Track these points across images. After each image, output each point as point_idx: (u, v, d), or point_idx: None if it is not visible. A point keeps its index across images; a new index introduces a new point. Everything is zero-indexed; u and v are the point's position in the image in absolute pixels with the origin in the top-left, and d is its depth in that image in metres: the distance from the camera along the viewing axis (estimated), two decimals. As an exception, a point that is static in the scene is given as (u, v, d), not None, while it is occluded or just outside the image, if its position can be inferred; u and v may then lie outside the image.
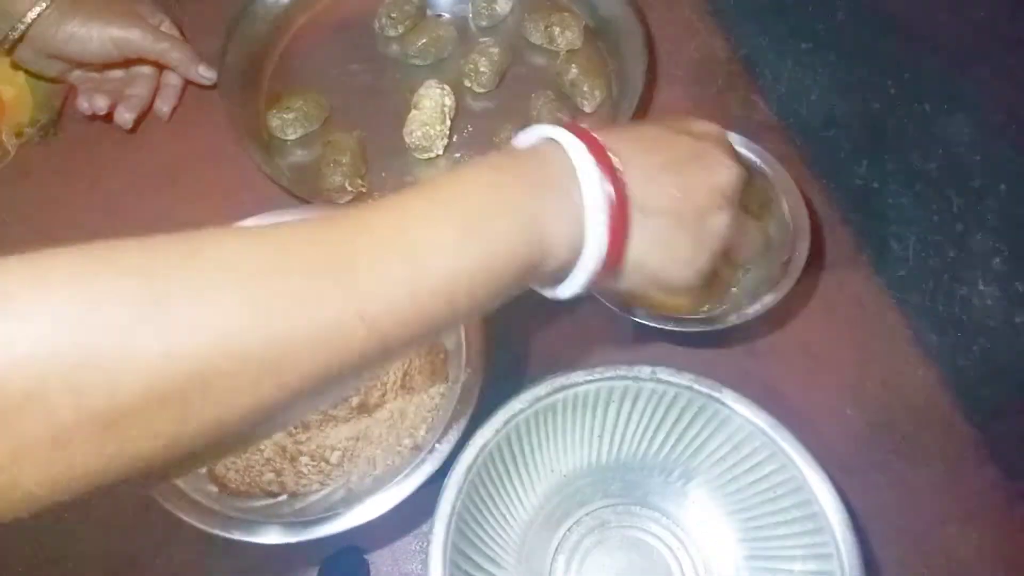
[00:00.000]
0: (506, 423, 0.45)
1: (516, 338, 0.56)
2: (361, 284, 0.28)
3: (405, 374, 0.51)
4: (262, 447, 0.49)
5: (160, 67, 0.68)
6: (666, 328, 0.50)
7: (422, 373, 0.51)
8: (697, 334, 0.52)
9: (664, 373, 0.46)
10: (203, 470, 0.47)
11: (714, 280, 0.43)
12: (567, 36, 0.68)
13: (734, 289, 0.55)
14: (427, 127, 0.62)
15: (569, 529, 0.49)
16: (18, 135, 0.66)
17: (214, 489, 0.46)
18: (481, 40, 0.69)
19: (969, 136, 0.64)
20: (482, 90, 0.67)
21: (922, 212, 0.61)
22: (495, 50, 0.67)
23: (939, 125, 0.64)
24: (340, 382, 0.29)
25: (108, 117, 0.66)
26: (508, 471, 0.46)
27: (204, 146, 0.66)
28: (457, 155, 0.65)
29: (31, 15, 0.60)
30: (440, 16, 0.71)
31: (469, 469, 0.43)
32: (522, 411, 0.45)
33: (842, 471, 0.45)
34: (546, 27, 0.68)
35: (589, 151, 0.34)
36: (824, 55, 0.69)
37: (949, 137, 0.64)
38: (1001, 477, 0.51)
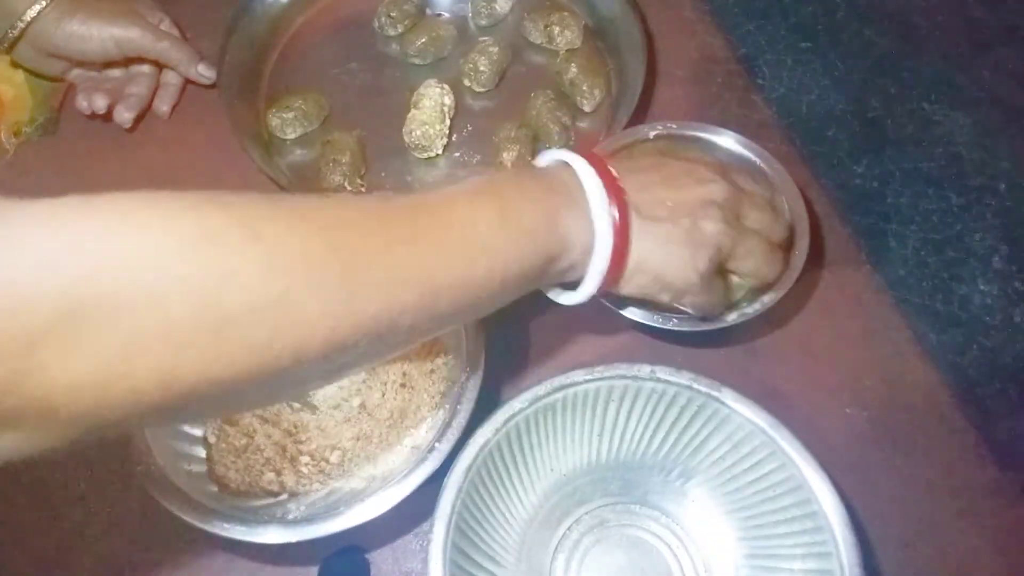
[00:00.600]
0: (506, 422, 0.45)
1: (515, 338, 0.56)
2: (421, 246, 0.33)
3: (405, 374, 0.51)
4: (262, 447, 0.49)
5: (160, 66, 0.68)
6: (666, 327, 0.50)
7: (422, 372, 0.51)
8: (696, 333, 0.52)
9: (663, 372, 0.46)
10: (204, 469, 0.47)
11: (720, 291, 0.46)
12: (566, 35, 0.68)
13: (748, 283, 0.55)
14: (427, 126, 0.62)
15: (569, 528, 0.49)
16: (17, 134, 0.66)
17: (214, 489, 0.46)
18: (481, 39, 0.69)
19: (968, 135, 0.64)
20: (481, 89, 0.67)
21: (921, 211, 0.61)
22: (494, 49, 0.67)
23: (939, 124, 0.65)
24: (393, 339, 0.33)
25: (107, 116, 0.66)
26: (508, 470, 0.46)
27: (204, 145, 0.66)
28: (456, 154, 0.65)
29: (30, 13, 0.60)
30: (440, 15, 0.71)
31: (469, 468, 0.44)
32: (522, 410, 0.45)
33: (841, 470, 0.45)
34: (546, 26, 0.68)
35: (591, 166, 0.40)
36: (824, 54, 0.69)
37: (949, 136, 0.64)
38: (1001, 476, 0.51)
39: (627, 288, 0.42)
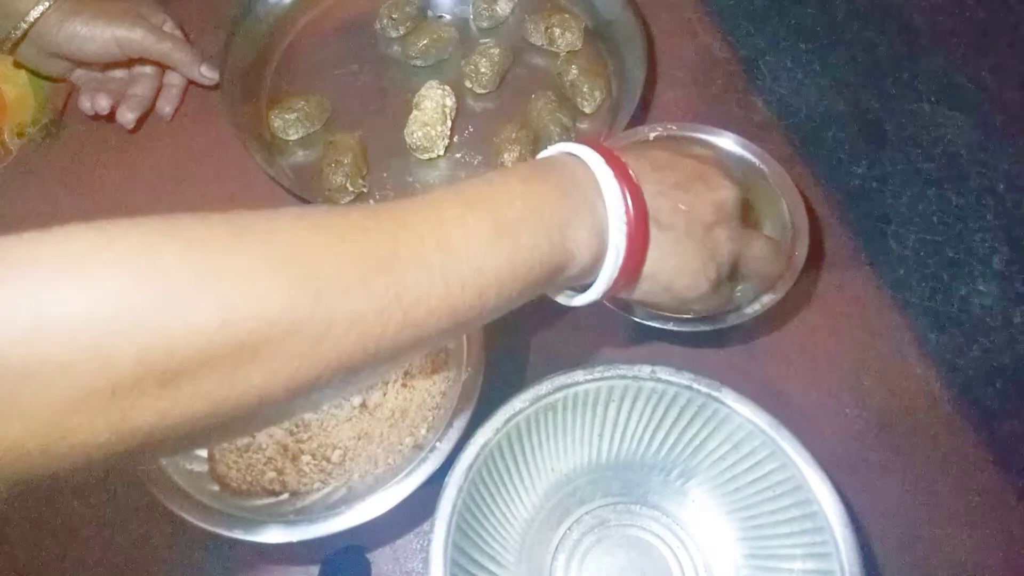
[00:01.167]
0: (507, 422, 0.45)
1: (517, 337, 0.57)
2: (401, 274, 0.30)
3: (406, 373, 0.51)
4: (264, 446, 0.49)
5: (162, 67, 0.68)
6: (666, 328, 0.51)
7: (423, 372, 0.51)
8: (697, 334, 0.52)
9: (664, 372, 0.46)
10: (205, 468, 0.48)
11: (725, 294, 0.45)
12: (567, 37, 0.68)
13: (738, 292, 0.55)
14: (428, 128, 0.62)
15: (569, 528, 0.49)
16: (20, 135, 0.67)
17: (215, 488, 0.46)
18: (482, 41, 0.69)
19: (968, 136, 0.64)
20: (483, 91, 0.67)
21: (921, 212, 0.61)
22: (496, 51, 0.67)
23: (939, 125, 0.65)
24: (373, 365, 0.31)
25: (110, 117, 0.66)
26: (508, 470, 0.47)
27: (206, 146, 0.66)
28: (458, 155, 0.65)
29: (33, 14, 0.61)
30: (441, 17, 0.72)
31: (470, 468, 0.44)
32: (522, 410, 0.45)
33: (841, 470, 0.45)
34: (546, 28, 0.68)
35: (609, 165, 0.37)
36: (823, 55, 0.69)
37: (949, 137, 0.64)
38: (1000, 476, 0.51)
39: (634, 294, 0.41)
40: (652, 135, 0.57)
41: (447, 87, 0.65)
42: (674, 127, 0.57)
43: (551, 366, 0.55)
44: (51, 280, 0.24)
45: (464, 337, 0.49)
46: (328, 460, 0.49)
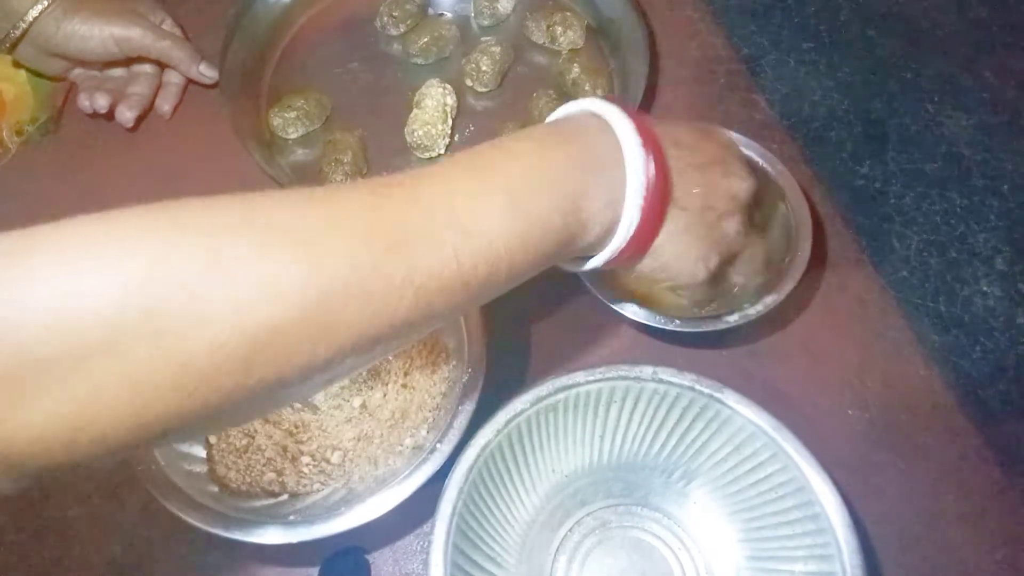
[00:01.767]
0: (507, 423, 0.45)
1: (518, 338, 0.56)
2: (411, 252, 0.30)
3: (406, 374, 0.51)
4: (263, 447, 0.49)
5: (161, 66, 0.68)
6: (667, 328, 0.50)
7: (423, 373, 0.51)
8: (698, 334, 0.52)
9: (666, 373, 0.45)
10: (204, 469, 0.47)
11: (716, 285, 0.44)
12: (569, 35, 0.68)
13: (736, 289, 0.54)
14: (429, 126, 0.62)
15: (570, 529, 0.49)
16: (19, 133, 0.66)
17: (215, 489, 0.46)
18: (483, 39, 0.69)
19: (972, 136, 0.64)
20: (484, 89, 0.67)
21: (924, 212, 0.61)
22: (497, 49, 0.67)
23: (941, 125, 0.64)
24: (385, 344, 0.31)
25: (109, 116, 0.66)
26: (509, 471, 0.46)
27: (205, 145, 0.66)
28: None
29: (32, 13, 0.60)
30: (442, 15, 0.71)
31: (470, 469, 0.43)
32: (523, 411, 0.45)
33: (844, 472, 0.45)
34: (548, 26, 0.68)
35: (638, 134, 0.35)
36: (826, 54, 0.69)
37: (952, 137, 0.64)
38: (1003, 478, 0.51)
39: (631, 265, 0.40)
40: (654, 134, 0.56)
41: (448, 85, 0.65)
42: (676, 126, 0.57)
43: (552, 367, 0.55)
44: (68, 272, 0.24)
45: (465, 338, 0.49)
46: (328, 461, 0.49)
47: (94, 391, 0.24)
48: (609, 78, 0.67)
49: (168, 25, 0.68)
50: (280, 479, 0.48)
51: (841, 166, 0.63)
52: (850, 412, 0.53)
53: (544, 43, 0.69)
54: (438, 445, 0.45)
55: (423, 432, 0.49)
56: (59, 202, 0.64)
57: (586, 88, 0.64)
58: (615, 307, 0.51)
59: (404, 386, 0.51)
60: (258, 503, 0.46)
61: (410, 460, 0.46)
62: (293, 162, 0.65)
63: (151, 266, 0.25)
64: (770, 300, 0.50)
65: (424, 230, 0.30)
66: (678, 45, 0.69)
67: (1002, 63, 0.67)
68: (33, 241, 0.25)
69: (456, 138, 0.65)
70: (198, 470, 0.47)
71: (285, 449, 0.49)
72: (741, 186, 0.40)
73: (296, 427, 0.50)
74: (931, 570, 0.49)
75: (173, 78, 0.69)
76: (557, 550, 0.48)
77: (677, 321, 0.50)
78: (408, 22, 0.70)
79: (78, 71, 0.68)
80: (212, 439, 0.49)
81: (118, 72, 0.68)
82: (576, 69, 0.65)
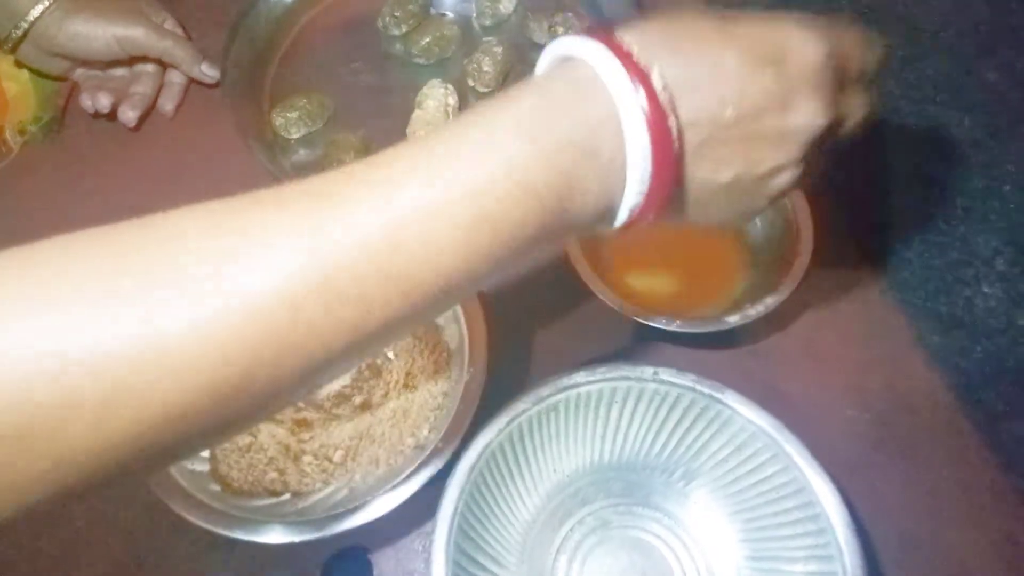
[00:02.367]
0: (509, 423, 0.45)
1: (519, 338, 0.56)
2: (339, 289, 0.25)
3: (408, 373, 0.51)
4: (265, 446, 0.49)
5: (164, 65, 0.68)
6: (669, 329, 0.50)
7: (425, 372, 0.51)
8: (699, 334, 0.52)
9: (666, 374, 0.46)
10: (207, 468, 0.47)
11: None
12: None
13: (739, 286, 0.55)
14: (431, 127, 0.62)
15: (571, 529, 0.49)
16: (22, 132, 0.66)
17: (217, 488, 0.46)
18: (484, 39, 0.69)
19: (973, 137, 0.64)
20: (485, 89, 0.67)
21: (926, 213, 0.61)
22: (498, 49, 0.67)
23: (943, 125, 0.64)
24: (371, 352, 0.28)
25: (111, 115, 0.66)
26: (511, 471, 0.47)
27: (208, 145, 0.66)
28: (460, 154, 0.65)
29: (34, 13, 0.60)
30: (444, 15, 0.71)
31: (472, 469, 0.44)
32: (525, 411, 0.45)
33: (844, 472, 0.45)
34: (549, 27, 0.68)
35: (644, 108, 0.28)
36: (828, 55, 0.68)
37: (953, 138, 0.64)
38: (1003, 478, 0.51)
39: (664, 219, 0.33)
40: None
41: (450, 86, 0.65)
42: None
43: (554, 367, 0.55)
44: (24, 313, 0.22)
45: (466, 337, 0.49)
46: (330, 460, 0.49)
47: (11, 438, 0.21)
48: (611, 78, 0.67)
49: (170, 25, 0.68)
50: (282, 478, 0.48)
51: (843, 166, 0.63)
52: (851, 413, 0.53)
53: (545, 43, 0.68)
54: (439, 444, 0.45)
55: (425, 431, 0.49)
56: (61, 202, 0.64)
57: (588, 88, 0.65)
58: (616, 306, 0.51)
59: (406, 386, 0.51)
60: (260, 502, 0.46)
61: (412, 459, 0.46)
62: (296, 162, 0.65)
63: (68, 303, 0.23)
64: (771, 301, 0.50)
65: (356, 261, 0.25)
66: (680, 45, 0.69)
67: (1005, 63, 0.67)
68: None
69: (458, 138, 0.65)
70: (200, 469, 0.47)
71: (287, 448, 0.49)
72: (808, 127, 0.30)
73: (299, 426, 0.50)
74: (931, 571, 0.49)
75: (175, 77, 0.69)
76: (558, 549, 0.49)
77: (678, 322, 0.51)
78: (410, 22, 0.70)
79: (80, 71, 0.68)
80: (214, 438, 0.49)
81: (120, 72, 0.68)
82: (578, 69, 0.65)
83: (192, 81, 0.69)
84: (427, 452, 0.45)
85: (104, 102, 0.65)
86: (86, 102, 0.66)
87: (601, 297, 0.51)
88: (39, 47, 0.63)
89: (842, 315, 0.56)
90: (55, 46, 0.62)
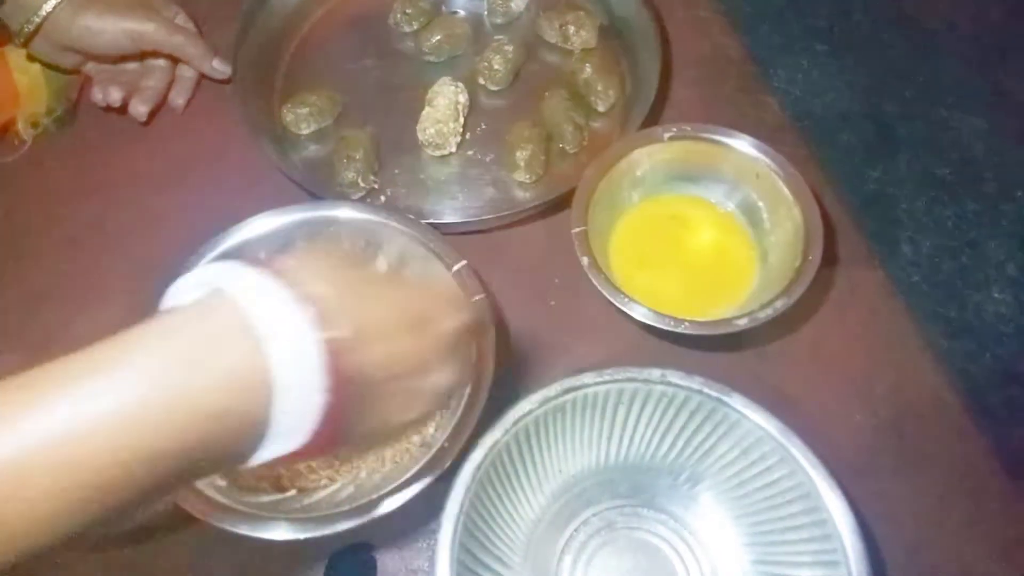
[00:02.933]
0: (515, 423, 0.45)
1: (525, 338, 0.56)
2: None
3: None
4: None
5: (175, 60, 0.68)
6: (677, 331, 0.50)
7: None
8: (707, 336, 0.52)
9: (674, 376, 0.45)
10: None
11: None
12: (582, 35, 0.67)
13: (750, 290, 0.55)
14: (440, 124, 0.62)
15: (576, 529, 0.49)
16: (35, 125, 0.67)
17: (223, 483, 0.46)
18: (496, 38, 0.69)
19: (985, 140, 0.63)
20: (496, 88, 0.67)
21: (936, 217, 0.60)
22: (509, 48, 0.67)
23: (954, 129, 0.64)
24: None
25: (123, 109, 0.66)
26: (516, 471, 0.47)
27: (218, 139, 0.66)
28: (470, 152, 0.65)
29: (46, 8, 0.61)
30: (455, 13, 0.71)
31: (478, 468, 0.44)
32: (531, 411, 0.45)
33: (851, 477, 0.45)
34: (561, 26, 0.68)
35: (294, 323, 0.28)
36: (839, 57, 0.68)
37: (965, 141, 0.64)
38: (1011, 484, 0.51)
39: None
40: (667, 135, 0.57)
41: (460, 84, 0.65)
42: (688, 128, 0.57)
43: (560, 367, 0.55)
44: None
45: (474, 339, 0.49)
46: (336, 457, 0.49)
47: None
48: (621, 78, 0.67)
49: (181, 20, 0.68)
50: (288, 474, 0.48)
51: (852, 170, 0.62)
52: (858, 417, 0.53)
53: (557, 42, 0.69)
54: (446, 443, 0.45)
55: (430, 429, 0.49)
56: (71, 194, 0.64)
57: (598, 89, 0.64)
58: (624, 308, 0.51)
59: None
60: (266, 498, 0.46)
61: (417, 458, 0.46)
62: (305, 158, 0.65)
63: None
64: (780, 304, 0.50)
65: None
66: (690, 45, 0.69)
67: (1017, 67, 0.67)
68: None
69: (467, 136, 0.65)
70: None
71: (294, 445, 0.49)
72: (451, 331, 0.35)
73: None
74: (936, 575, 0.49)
75: (186, 72, 0.69)
76: (563, 550, 0.49)
77: (686, 323, 0.50)
78: (421, 19, 0.70)
79: (92, 65, 0.68)
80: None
81: (132, 66, 0.68)
82: (588, 69, 0.65)
83: (203, 76, 0.69)
84: (433, 450, 0.45)
85: (115, 96, 0.65)
86: (97, 96, 0.66)
87: (608, 297, 0.51)
88: (51, 41, 0.63)
89: (851, 319, 0.56)
90: (67, 40, 0.63)
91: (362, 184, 0.61)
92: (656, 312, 0.51)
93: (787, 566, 0.45)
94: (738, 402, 0.45)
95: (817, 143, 0.63)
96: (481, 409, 0.46)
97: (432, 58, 0.69)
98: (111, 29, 0.62)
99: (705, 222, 0.58)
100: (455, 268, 0.51)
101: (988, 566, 0.49)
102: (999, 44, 0.68)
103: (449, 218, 0.60)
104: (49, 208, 0.64)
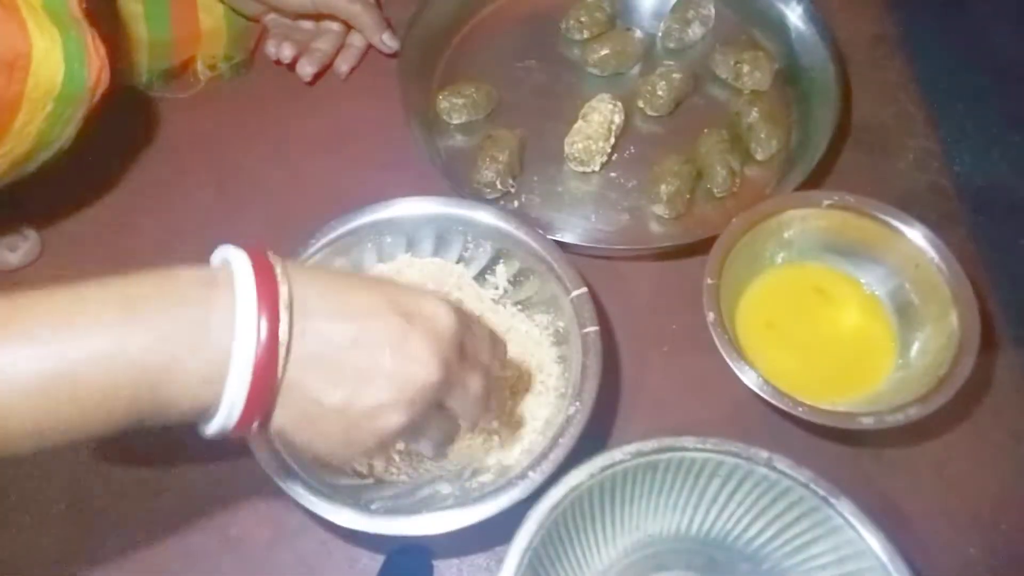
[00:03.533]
0: (602, 470, 0.43)
1: (630, 378, 0.54)
2: None
3: (512, 390, 0.50)
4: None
5: (348, 26, 0.69)
6: (792, 412, 0.47)
7: (531, 392, 0.50)
8: (823, 427, 0.48)
9: (781, 463, 0.42)
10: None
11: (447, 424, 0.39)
12: (755, 76, 0.64)
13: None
14: (590, 141, 0.61)
15: (641, 589, 0.47)
16: (211, 67, 0.69)
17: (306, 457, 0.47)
18: (665, 62, 0.66)
19: None
20: (655, 114, 0.65)
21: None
22: (677, 75, 0.64)
23: None
24: None
25: (291, 66, 0.68)
26: (594, 517, 0.45)
27: (370, 113, 0.67)
28: (613, 174, 0.63)
29: None
30: (629, 29, 0.69)
31: (555, 507, 0.42)
32: (621, 462, 0.43)
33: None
34: (735, 63, 0.65)
35: (260, 300, 0.31)
36: (1038, 153, 0.62)
37: None
38: None
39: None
40: (826, 202, 0.53)
41: (618, 103, 0.63)
42: (851, 199, 0.53)
43: (660, 418, 0.53)
44: None
45: (579, 370, 0.47)
46: (419, 454, 0.49)
47: None
48: (788, 129, 0.63)
49: (364, -11, 0.70)
50: (370, 461, 0.48)
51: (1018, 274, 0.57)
52: (972, 551, 0.48)
53: (727, 79, 0.66)
54: (530, 473, 0.44)
55: (515, 453, 0.48)
56: (228, 140, 0.66)
57: (761, 135, 0.61)
58: (741, 373, 0.48)
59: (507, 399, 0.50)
60: (344, 481, 0.47)
61: (496, 479, 0.45)
62: (450, 147, 0.65)
63: None
64: (914, 411, 0.46)
65: None
66: (872, 108, 0.64)
67: None
68: None
69: (614, 157, 0.63)
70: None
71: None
72: (421, 378, 0.34)
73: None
74: None
75: (356, 40, 0.70)
76: (623, 607, 0.47)
77: (803, 408, 0.47)
78: (593, 30, 0.68)
79: (272, 16, 0.70)
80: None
81: (307, 25, 0.70)
82: (755, 113, 0.62)
83: (370, 47, 0.70)
84: (514, 477, 0.44)
85: (287, 52, 0.67)
86: (271, 49, 0.68)
87: (727, 358, 0.49)
88: None
89: (988, 443, 0.51)
90: None
91: (499, 186, 0.60)
92: (773, 387, 0.48)
93: None
94: (846, 508, 0.41)
95: (992, 244, 0.57)
96: (572, 445, 0.45)
97: (596, 71, 0.67)
98: None
99: (849, 301, 0.54)
100: (574, 294, 0.50)
101: None
102: None
103: (578, 238, 0.58)
104: (205, 149, 0.66)
